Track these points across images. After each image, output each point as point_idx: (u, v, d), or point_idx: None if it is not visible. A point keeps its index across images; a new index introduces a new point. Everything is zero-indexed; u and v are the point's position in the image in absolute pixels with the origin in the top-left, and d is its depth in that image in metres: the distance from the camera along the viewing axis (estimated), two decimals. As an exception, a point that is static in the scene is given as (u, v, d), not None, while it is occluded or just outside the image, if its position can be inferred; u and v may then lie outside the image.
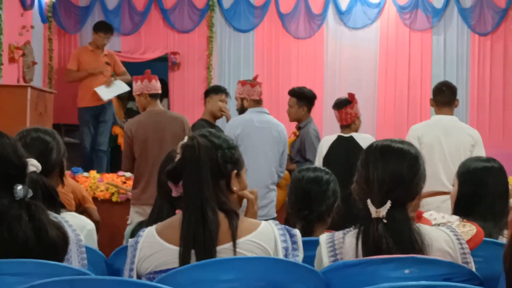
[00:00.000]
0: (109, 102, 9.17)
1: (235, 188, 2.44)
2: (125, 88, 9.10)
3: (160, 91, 6.12)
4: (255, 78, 6.45)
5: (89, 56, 9.15)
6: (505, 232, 3.27)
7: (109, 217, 7.13)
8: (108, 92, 8.96)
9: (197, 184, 2.33)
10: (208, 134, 2.45)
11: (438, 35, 10.59)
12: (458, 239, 2.49)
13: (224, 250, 2.29)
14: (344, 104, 5.93)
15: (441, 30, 10.59)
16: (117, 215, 7.05)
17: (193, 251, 2.28)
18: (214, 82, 10.46)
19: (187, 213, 2.33)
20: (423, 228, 2.46)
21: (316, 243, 2.67)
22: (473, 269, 2.46)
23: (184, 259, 2.28)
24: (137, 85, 6.03)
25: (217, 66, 10.64)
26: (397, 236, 2.39)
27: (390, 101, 10.57)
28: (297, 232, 2.40)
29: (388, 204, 2.40)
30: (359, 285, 2.14)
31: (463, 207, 3.33)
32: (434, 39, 10.59)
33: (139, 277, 2.38)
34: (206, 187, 2.32)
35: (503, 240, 3.15)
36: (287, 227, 2.40)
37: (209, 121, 6.88)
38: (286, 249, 2.33)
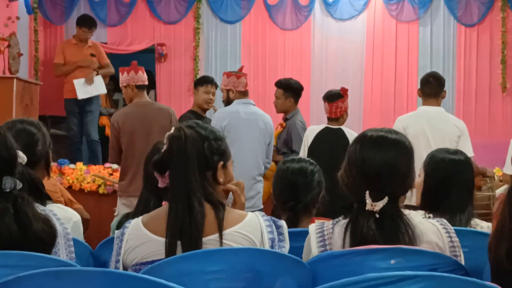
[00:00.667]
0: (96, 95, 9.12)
1: (221, 180, 2.44)
2: (102, 90, 9.02)
3: (146, 83, 6.10)
4: (241, 69, 6.43)
5: (73, 49, 9.09)
6: (472, 222, 3.29)
7: (96, 209, 7.12)
8: (85, 91, 8.84)
9: (183, 175, 2.32)
10: (195, 125, 2.45)
11: (424, 26, 10.60)
12: (447, 232, 2.48)
13: (210, 241, 2.29)
14: (336, 98, 5.95)
15: (428, 21, 10.60)
16: (104, 207, 7.06)
17: (179, 242, 2.28)
18: (201, 73, 10.42)
19: (174, 204, 2.32)
20: (413, 220, 2.45)
21: (302, 233, 2.68)
22: (462, 262, 2.46)
23: (170, 250, 2.28)
24: (124, 77, 6.00)
25: (203, 58, 10.61)
26: (387, 231, 2.38)
27: (377, 92, 10.58)
28: (283, 223, 2.41)
29: (385, 200, 2.37)
30: (346, 275, 2.13)
31: (431, 200, 3.33)
32: (420, 30, 10.60)
33: (125, 268, 2.37)
34: (193, 178, 2.32)
35: None
36: (273, 218, 2.41)
37: (197, 112, 6.87)
38: (272, 240, 2.34)
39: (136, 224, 2.40)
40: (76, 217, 2.92)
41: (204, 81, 7.03)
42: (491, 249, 2.23)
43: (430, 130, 5.64)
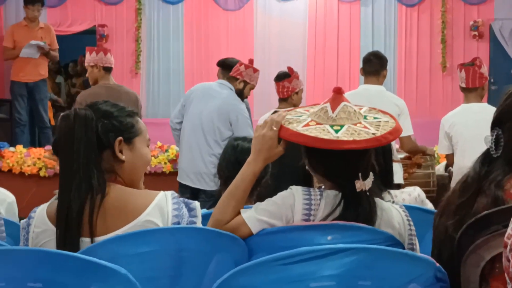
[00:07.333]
0: (44, 79, 8.91)
1: (123, 157, 2.26)
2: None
3: (113, 65, 6.14)
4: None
5: (24, 32, 8.78)
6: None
7: (37, 192, 7.05)
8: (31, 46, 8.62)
9: (69, 158, 2.15)
10: (102, 103, 2.29)
11: (366, 6, 10.67)
12: (408, 220, 2.38)
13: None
14: (282, 77, 6.02)
15: (369, 1, 10.68)
16: (45, 190, 6.95)
17: None
18: (143, 54, 10.37)
19: (60, 192, 2.18)
20: (381, 202, 2.38)
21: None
22: (417, 252, 2.42)
23: (59, 243, 2.11)
24: (92, 57, 6.04)
25: (146, 39, 10.52)
26: (364, 208, 2.31)
27: (319, 72, 10.63)
28: (196, 204, 2.31)
29: (372, 177, 2.30)
30: (281, 251, 2.12)
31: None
32: (362, 10, 10.67)
33: None
34: (79, 160, 2.14)
35: None
36: (185, 200, 2.30)
37: None
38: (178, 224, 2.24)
39: (41, 214, 2.22)
40: (10, 198, 2.88)
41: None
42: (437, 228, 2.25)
43: (370, 109, 5.67)
